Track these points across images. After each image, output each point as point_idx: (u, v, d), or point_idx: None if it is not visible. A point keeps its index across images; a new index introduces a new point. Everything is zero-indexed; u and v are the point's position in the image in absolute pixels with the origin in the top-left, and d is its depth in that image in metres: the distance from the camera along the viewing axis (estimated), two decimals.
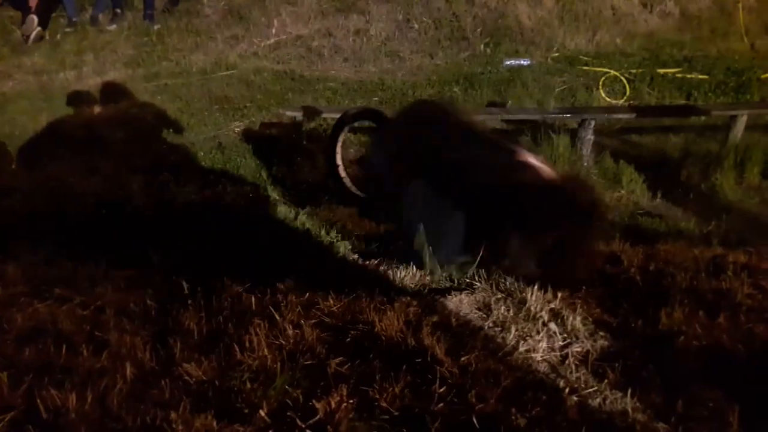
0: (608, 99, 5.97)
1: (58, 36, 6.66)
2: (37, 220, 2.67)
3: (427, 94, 6.01)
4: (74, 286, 1.67)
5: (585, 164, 4.51)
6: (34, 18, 6.59)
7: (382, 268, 2.13)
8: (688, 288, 1.84)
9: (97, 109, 4.88)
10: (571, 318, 1.71)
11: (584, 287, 1.89)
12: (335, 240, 2.58)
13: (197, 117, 5.23)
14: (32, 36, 6.54)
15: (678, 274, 1.93)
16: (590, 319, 1.71)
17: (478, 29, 7.19)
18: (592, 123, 4.62)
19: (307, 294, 1.76)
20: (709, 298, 1.78)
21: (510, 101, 5.62)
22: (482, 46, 7.02)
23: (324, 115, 4.62)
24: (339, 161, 2.99)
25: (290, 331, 1.53)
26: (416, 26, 7.08)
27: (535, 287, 1.81)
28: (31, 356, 1.33)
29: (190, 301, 1.62)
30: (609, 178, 4.41)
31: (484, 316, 1.76)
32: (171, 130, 4.77)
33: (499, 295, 1.90)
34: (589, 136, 4.63)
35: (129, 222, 2.69)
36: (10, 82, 5.68)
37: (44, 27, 6.74)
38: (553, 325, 1.69)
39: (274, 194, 3.54)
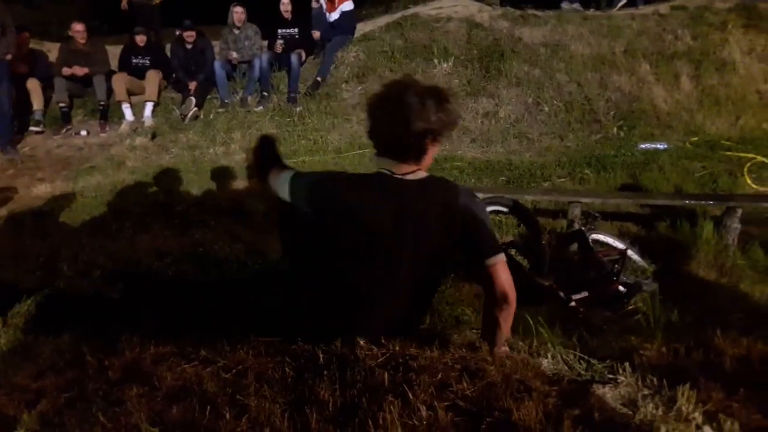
0: (755, 186, 5.53)
1: (211, 115, 7.37)
2: (184, 282, 2.87)
3: (557, 175, 5.90)
4: (217, 349, 1.73)
5: (731, 254, 4.14)
6: (192, 100, 7.38)
7: (514, 352, 2.03)
8: None
9: (241, 183, 5.25)
10: (728, 423, 1.50)
11: (742, 389, 1.67)
12: (464, 319, 2.51)
13: None
14: (189, 115, 7.30)
15: None
16: (750, 425, 1.50)
17: (611, 112, 7.04)
18: (739, 211, 4.27)
19: (440, 375, 1.69)
20: None
21: None
22: (615, 129, 6.85)
23: None
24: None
25: (423, 412, 1.47)
26: (546, 109, 7.07)
27: (687, 385, 1.63)
28: (178, 414, 1.38)
29: (325, 372, 1.62)
30: (759, 271, 4.01)
31: (630, 413, 1.60)
32: None
33: (646, 392, 1.73)
34: (735, 224, 4.29)
35: (268, 287, 2.80)
36: (167, 156, 6.30)
37: (200, 107, 7.51)
38: (708, 429, 1.50)
39: None
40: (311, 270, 2.02)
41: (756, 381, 1.81)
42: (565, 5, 8.62)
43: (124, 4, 8.69)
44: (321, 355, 1.70)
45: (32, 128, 7.04)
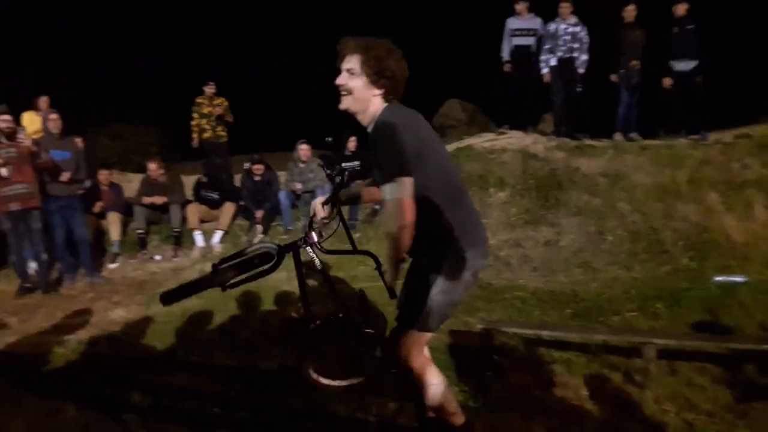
0: None
1: (276, 241, 7.61)
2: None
3: (627, 309, 5.63)
4: None
5: None
6: (259, 227, 7.72)
7: None
8: None
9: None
10: None
11: None
12: None
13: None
14: (255, 241, 7.57)
15: None
16: None
17: (680, 243, 6.83)
18: None
19: None
20: None
21: None
22: (686, 260, 6.60)
23: (514, 330, 4.42)
24: None
25: None
26: (610, 238, 6.94)
27: None
28: None
29: None
30: None
31: None
32: None
33: None
34: None
35: None
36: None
37: (265, 233, 7.80)
38: None
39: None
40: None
41: None
42: (617, 136, 8.71)
43: (195, 142, 9.41)
44: None
45: (109, 265, 7.57)
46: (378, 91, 2.41)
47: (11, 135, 6.27)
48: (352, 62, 2.41)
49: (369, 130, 2.47)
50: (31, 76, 13.28)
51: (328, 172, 2.73)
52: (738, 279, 6.04)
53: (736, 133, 8.29)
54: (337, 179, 2.67)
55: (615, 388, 3.88)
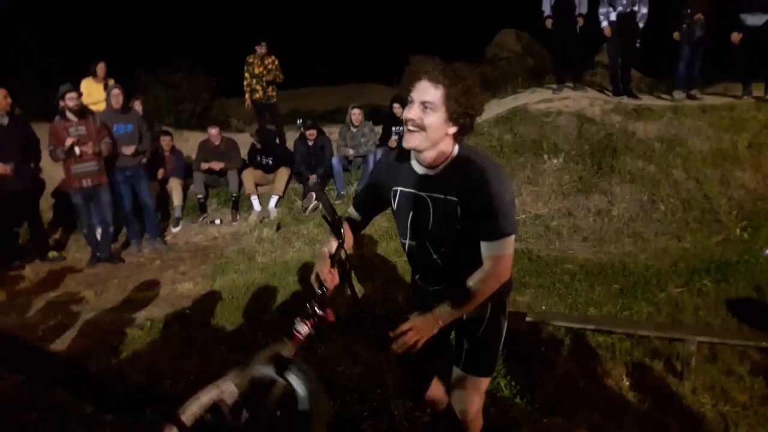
0: None
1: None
2: None
3: (674, 284, 5.69)
4: None
5: None
6: (313, 193, 7.94)
7: None
8: None
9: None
10: None
11: None
12: None
13: None
14: (309, 207, 7.81)
15: None
16: None
17: (734, 212, 6.75)
18: None
19: None
20: None
21: None
22: (738, 231, 6.54)
23: (560, 323, 4.52)
24: None
25: None
26: (662, 207, 6.91)
27: None
28: None
29: None
30: None
31: None
32: None
33: None
34: None
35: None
36: (290, 250, 6.79)
37: (319, 200, 8.05)
38: None
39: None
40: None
41: None
42: (677, 94, 8.45)
43: (248, 103, 9.62)
44: None
45: (173, 229, 8.03)
46: (454, 129, 2.04)
47: (80, 112, 6.62)
48: (430, 94, 1.98)
49: (433, 171, 2.14)
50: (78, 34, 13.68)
51: (328, 219, 2.19)
52: None
53: None
54: (338, 228, 2.18)
55: (656, 377, 4.04)
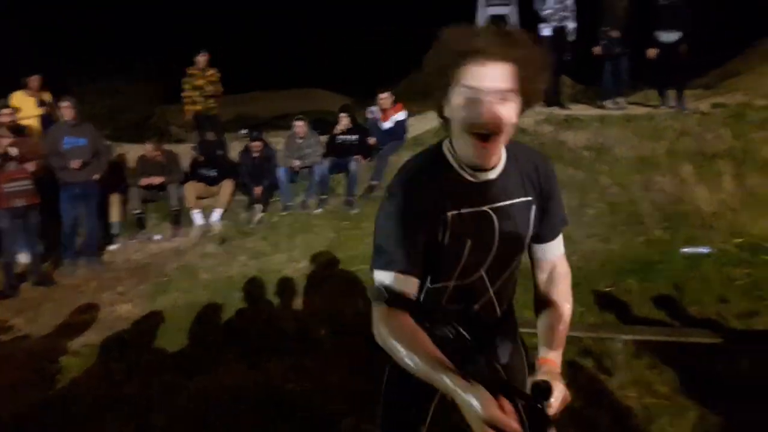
0: None
1: (275, 218, 7.92)
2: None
3: (603, 284, 6.03)
4: None
5: None
6: (259, 206, 8.00)
7: None
8: None
9: (301, 301, 5.64)
10: None
11: None
12: None
13: None
14: (255, 219, 7.90)
15: None
16: None
17: (655, 214, 7.22)
18: None
19: None
20: None
21: None
22: (659, 231, 7.00)
23: None
24: None
25: None
26: (591, 212, 7.32)
27: None
28: None
29: None
30: None
31: None
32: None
33: None
34: None
35: None
36: (235, 265, 6.80)
37: (264, 210, 8.10)
38: None
39: None
40: None
41: None
42: (608, 103, 8.97)
43: (188, 115, 9.48)
44: None
45: (110, 248, 7.76)
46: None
47: (17, 129, 6.41)
48: (505, 78, 1.42)
49: (495, 174, 1.62)
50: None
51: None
52: (703, 250, 6.39)
53: (712, 102, 8.56)
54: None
55: (587, 375, 4.33)
